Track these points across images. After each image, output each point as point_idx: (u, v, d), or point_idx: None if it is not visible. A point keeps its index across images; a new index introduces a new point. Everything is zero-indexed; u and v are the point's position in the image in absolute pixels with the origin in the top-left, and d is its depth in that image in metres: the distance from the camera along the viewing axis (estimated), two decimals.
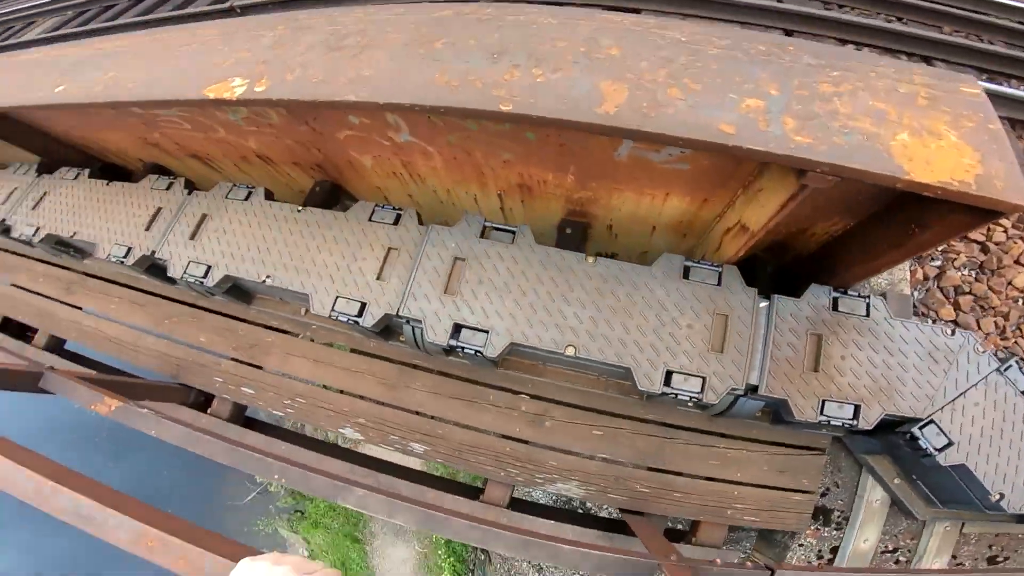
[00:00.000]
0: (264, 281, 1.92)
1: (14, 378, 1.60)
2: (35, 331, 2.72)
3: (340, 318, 1.83)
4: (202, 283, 1.97)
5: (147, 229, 2.14)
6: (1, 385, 1.57)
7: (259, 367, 2.31)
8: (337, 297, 1.84)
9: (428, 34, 1.48)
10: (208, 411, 2.31)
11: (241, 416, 2.36)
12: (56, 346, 2.66)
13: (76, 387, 1.64)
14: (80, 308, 2.62)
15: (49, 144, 2.59)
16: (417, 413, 2.20)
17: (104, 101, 1.68)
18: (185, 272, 1.99)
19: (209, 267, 1.98)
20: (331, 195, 2.42)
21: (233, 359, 2.33)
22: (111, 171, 2.71)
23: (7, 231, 2.45)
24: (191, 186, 2.26)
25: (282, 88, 1.48)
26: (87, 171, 2.46)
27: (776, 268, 2.01)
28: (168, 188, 2.23)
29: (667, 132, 1.12)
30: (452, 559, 6.81)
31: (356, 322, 1.82)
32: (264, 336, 2.33)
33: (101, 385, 1.70)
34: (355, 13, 1.67)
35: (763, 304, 1.62)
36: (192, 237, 2.06)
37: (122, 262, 2.10)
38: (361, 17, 1.64)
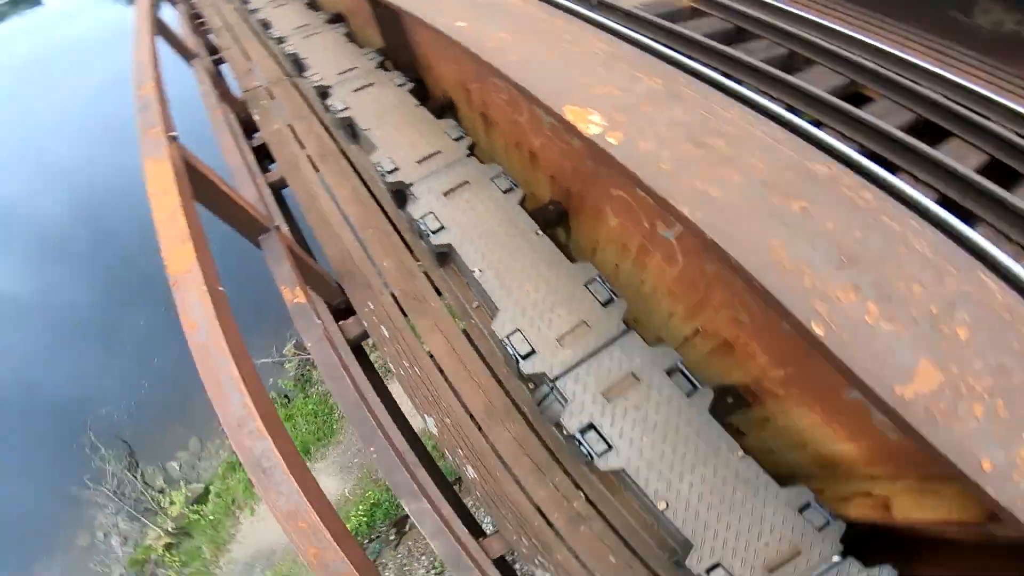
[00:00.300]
0: (474, 272, 2.01)
1: (248, 221, 1.78)
2: (271, 167, 3.11)
3: (507, 347, 1.88)
4: (429, 235, 2.12)
5: (419, 162, 2.35)
6: (234, 222, 1.74)
7: (407, 317, 2.42)
8: (517, 330, 1.90)
9: (793, 186, 1.40)
10: (340, 322, 2.44)
11: (358, 343, 2.46)
12: (278, 187, 3.03)
13: (283, 262, 1.80)
14: (318, 172, 2.96)
15: (400, 44, 2.99)
16: (492, 448, 2.20)
17: (487, 61, 1.84)
18: (422, 218, 2.15)
19: (442, 227, 2.13)
20: (558, 219, 2.52)
21: (393, 296, 2.46)
22: (418, 85, 3.06)
23: (324, 95, 2.86)
24: (472, 149, 2.45)
25: (629, 155, 1.48)
26: (410, 86, 2.82)
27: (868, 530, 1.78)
28: (456, 140, 2.46)
29: (936, 446, 1.01)
30: (365, 519, 7.14)
31: (517, 360, 1.85)
32: (431, 298, 2.43)
33: (296, 263, 1.84)
34: (732, 111, 1.64)
35: (836, 559, 1.54)
36: (445, 194, 2.24)
37: (382, 175, 2.32)
38: (736, 119, 1.60)
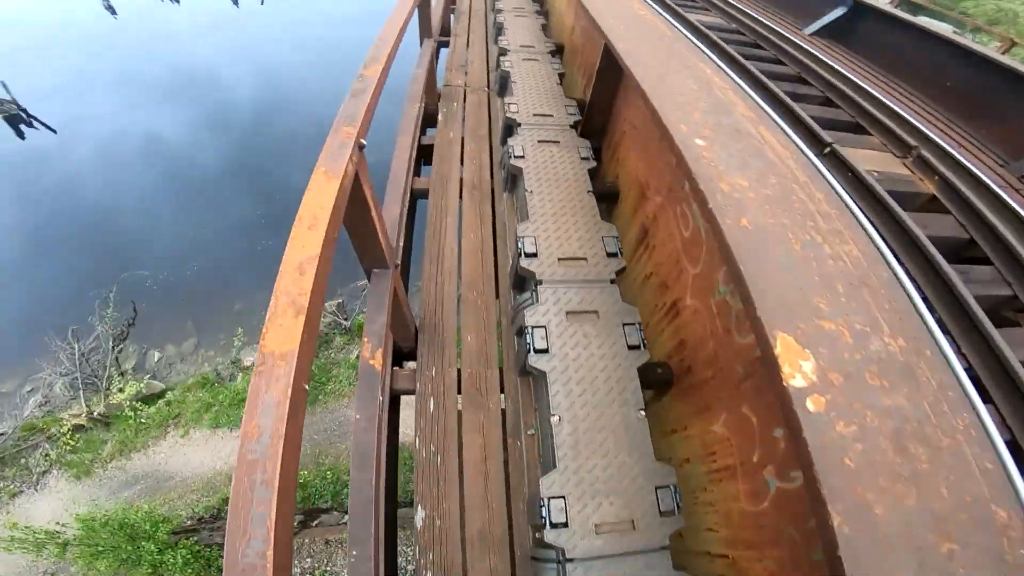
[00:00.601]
0: (553, 417, 2.14)
1: (373, 252, 1.98)
2: (424, 171, 3.51)
3: (542, 507, 2.00)
4: (529, 349, 2.28)
5: (560, 260, 2.55)
6: (360, 248, 1.92)
7: (460, 403, 2.60)
8: (563, 497, 2.01)
9: (961, 528, 1.35)
10: (395, 367, 2.67)
11: (398, 397, 2.70)
12: (418, 196, 3.39)
13: (382, 311, 1.98)
14: (461, 201, 3.28)
15: (602, 106, 3.26)
16: (464, 570, 2.33)
17: (711, 207, 1.84)
18: (532, 327, 2.32)
19: (547, 350, 2.28)
20: (658, 385, 2.58)
21: (459, 375, 2.67)
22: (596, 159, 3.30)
23: (510, 130, 3.22)
24: (617, 274, 2.60)
25: (816, 429, 1.36)
26: (592, 165, 3.07)
27: None
28: (608, 256, 2.63)
29: None
30: None
31: (545, 524, 1.98)
32: (493, 398, 2.61)
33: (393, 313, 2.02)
34: (960, 417, 1.53)
35: None
36: (568, 313, 2.39)
37: (519, 253, 2.55)
38: (956, 429, 1.49)
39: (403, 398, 2.75)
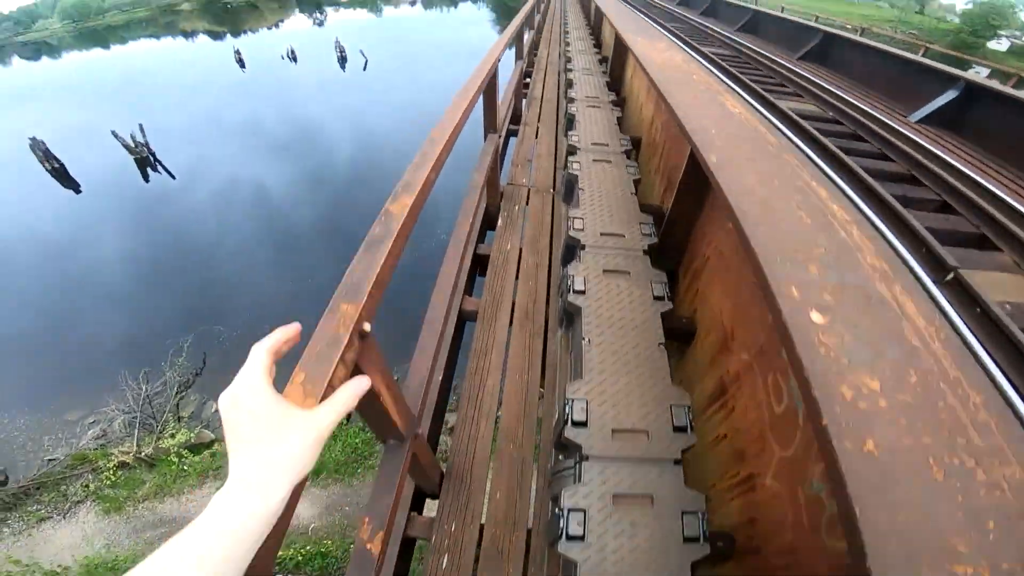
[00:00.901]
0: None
1: (387, 426, 1.71)
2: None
3: None
4: (562, 534, 1.98)
5: (615, 432, 2.19)
6: (370, 422, 1.66)
7: (476, 568, 2.36)
8: None
9: None
10: (412, 512, 2.50)
11: (414, 541, 2.52)
12: (465, 318, 3.23)
13: (390, 489, 1.73)
14: (510, 329, 3.05)
15: (684, 222, 3.03)
16: None
17: (823, 422, 1.31)
18: (568, 510, 2.01)
19: (583, 537, 1.96)
20: (714, 560, 2.21)
21: (480, 533, 2.44)
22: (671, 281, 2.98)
23: (571, 252, 2.98)
24: (683, 452, 2.24)
25: None
26: (667, 307, 2.70)
27: None
28: (675, 431, 2.23)
29: None
30: (303, 557, 8.28)
31: None
32: (515, 564, 2.37)
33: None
34: None
35: None
36: (616, 498, 2.06)
37: (566, 419, 2.22)
38: None
39: None
